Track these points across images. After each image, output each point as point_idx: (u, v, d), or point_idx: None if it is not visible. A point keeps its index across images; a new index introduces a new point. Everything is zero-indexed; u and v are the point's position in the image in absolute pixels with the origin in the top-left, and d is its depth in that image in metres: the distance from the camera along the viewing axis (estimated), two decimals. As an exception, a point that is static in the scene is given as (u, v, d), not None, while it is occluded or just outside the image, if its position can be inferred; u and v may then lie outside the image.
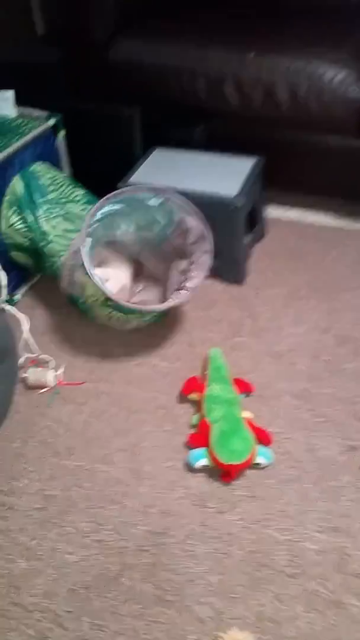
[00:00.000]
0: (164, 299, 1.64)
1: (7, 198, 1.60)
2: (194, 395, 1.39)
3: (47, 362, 1.51)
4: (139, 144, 1.88)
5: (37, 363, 1.51)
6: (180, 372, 1.51)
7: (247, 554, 1.14)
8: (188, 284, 1.50)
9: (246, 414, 1.35)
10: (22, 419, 1.42)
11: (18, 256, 1.68)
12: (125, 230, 1.59)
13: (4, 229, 1.62)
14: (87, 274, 1.39)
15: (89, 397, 1.46)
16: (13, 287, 1.74)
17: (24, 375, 1.48)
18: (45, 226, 1.58)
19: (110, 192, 1.72)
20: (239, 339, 1.60)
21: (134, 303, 1.63)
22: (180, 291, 1.51)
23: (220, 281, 1.79)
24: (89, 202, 1.65)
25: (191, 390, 1.40)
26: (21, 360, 1.49)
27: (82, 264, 1.39)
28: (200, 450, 1.26)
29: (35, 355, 1.50)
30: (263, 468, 1.27)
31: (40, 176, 1.64)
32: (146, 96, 1.90)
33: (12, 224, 1.61)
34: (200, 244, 1.53)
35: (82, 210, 1.62)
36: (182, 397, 1.42)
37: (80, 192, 1.67)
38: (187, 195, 1.63)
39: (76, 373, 1.52)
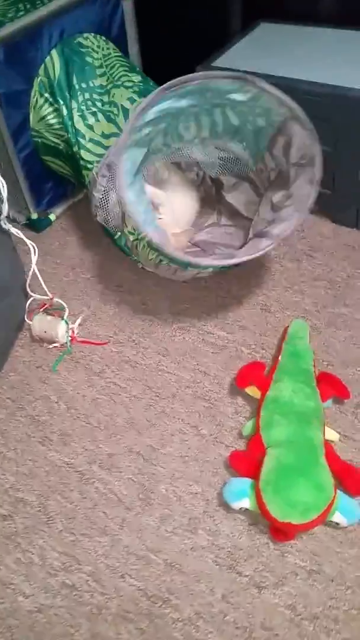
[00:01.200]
0: (245, 239, 1.14)
1: (38, 79, 1.16)
2: (252, 390, 0.92)
3: (61, 310, 1.11)
4: (238, 14, 1.33)
5: (48, 309, 1.11)
6: (242, 349, 1.03)
7: (291, 667, 0.69)
8: (275, 230, 0.99)
9: (330, 436, 0.85)
10: (16, 382, 1.04)
11: (53, 163, 1.26)
12: (195, 137, 1.09)
13: (33, 124, 1.20)
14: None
15: (107, 365, 1.04)
16: (48, 202, 1.34)
17: (29, 322, 1.09)
18: (79, 124, 1.13)
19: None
20: (342, 310, 1.07)
21: (189, 251, 1.16)
22: (262, 238, 1.00)
23: (329, 220, 1.24)
24: (142, 94, 1.16)
25: (249, 382, 0.92)
26: (29, 303, 1.10)
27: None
28: (244, 483, 0.79)
29: (46, 298, 1.10)
30: (342, 529, 0.78)
31: (87, 52, 1.18)
32: None
33: (42, 117, 1.18)
34: (305, 168, 0.98)
35: (129, 101, 1.14)
36: (236, 389, 0.95)
37: (136, 78, 1.18)
38: (299, 88, 1.09)
39: (99, 328, 1.11)
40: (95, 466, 0.90)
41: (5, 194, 0.99)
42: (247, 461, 0.82)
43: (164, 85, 0.93)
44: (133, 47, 1.35)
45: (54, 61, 1.15)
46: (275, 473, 0.76)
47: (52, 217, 1.35)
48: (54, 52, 1.15)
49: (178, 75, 1.25)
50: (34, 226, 1.33)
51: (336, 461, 0.80)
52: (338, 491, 0.76)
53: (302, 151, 0.97)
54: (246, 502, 0.78)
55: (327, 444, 0.81)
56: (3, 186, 0.99)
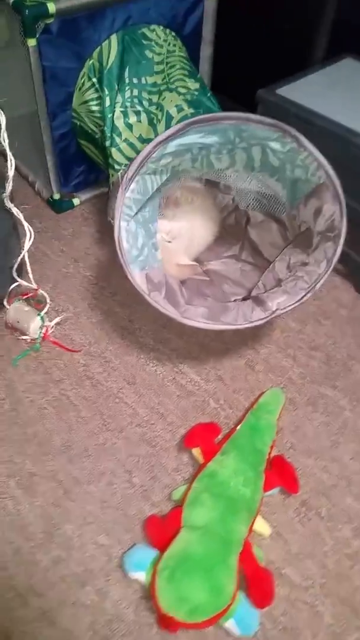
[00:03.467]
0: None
1: (90, 62, 1.09)
2: (198, 453, 0.84)
3: (42, 303, 1.06)
4: (323, 43, 1.22)
5: (31, 298, 1.07)
6: (210, 401, 0.96)
7: None
8: (273, 301, 0.91)
9: (261, 528, 0.77)
10: (-26, 365, 1.01)
11: (88, 148, 1.21)
12: (229, 168, 1.00)
13: (75, 105, 1.14)
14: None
15: (69, 376, 0.99)
16: (76, 185, 1.29)
17: (7, 307, 1.05)
18: (119, 120, 1.06)
19: (251, 102, 1.15)
20: (327, 392, 0.97)
21: (195, 279, 1.07)
22: (258, 307, 0.91)
23: (352, 287, 1.14)
24: (193, 104, 1.07)
25: (197, 444, 0.84)
26: (12, 287, 1.05)
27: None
28: (147, 555, 0.73)
29: (29, 287, 1.05)
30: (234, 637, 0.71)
31: (149, 46, 1.10)
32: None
33: (85, 101, 1.11)
34: (328, 242, 0.89)
35: (177, 108, 1.06)
36: (184, 445, 0.88)
37: (192, 85, 1.10)
38: (353, 141, 0.99)
39: (75, 333, 1.05)
40: (12, 481, 0.85)
41: (12, 172, 0.95)
42: (161, 531, 0.75)
43: (193, 119, 0.84)
44: (205, 50, 1.26)
45: (112, 47, 1.08)
46: (177, 560, 0.69)
47: (75, 201, 1.30)
48: (113, 38, 1.08)
49: (244, 90, 1.17)
50: (54, 206, 1.29)
51: (251, 564, 0.72)
52: (240, 597, 0.69)
53: (330, 223, 0.88)
54: (142, 576, 0.72)
55: (247, 542, 0.73)
56: (11, 164, 0.94)
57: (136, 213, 0.89)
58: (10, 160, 0.93)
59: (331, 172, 0.84)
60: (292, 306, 0.89)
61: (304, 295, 0.88)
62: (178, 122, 1.05)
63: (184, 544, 0.70)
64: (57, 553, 0.78)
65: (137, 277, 0.88)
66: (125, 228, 0.86)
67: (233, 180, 1.05)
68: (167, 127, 1.05)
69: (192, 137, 0.85)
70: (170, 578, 0.67)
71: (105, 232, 1.26)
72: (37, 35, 1.01)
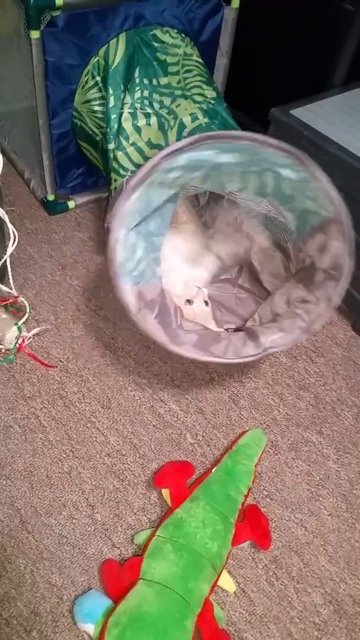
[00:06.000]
0: (253, 309, 1.01)
1: (95, 59, 1.03)
2: (166, 495, 0.79)
3: (21, 311, 1.00)
4: (343, 69, 1.16)
5: (10, 305, 1.01)
6: (187, 435, 0.90)
7: None
8: (268, 337, 0.84)
9: (226, 584, 0.72)
10: None
11: (87, 150, 1.14)
12: (240, 192, 0.94)
13: (77, 104, 1.08)
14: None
15: (40, 393, 0.93)
16: (73, 187, 1.23)
17: (-18, 314, 0.99)
18: (127, 122, 1.00)
19: (263, 119, 1.09)
20: (313, 437, 0.91)
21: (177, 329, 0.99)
22: (251, 342, 0.85)
23: (349, 326, 1.08)
24: (208, 113, 1.02)
25: (166, 485, 0.79)
26: (-9, 292, 1.00)
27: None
28: (99, 607, 0.67)
29: (10, 294, 0.99)
30: None
31: (161, 48, 1.04)
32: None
33: (88, 101, 1.05)
34: (332, 281, 0.84)
35: (191, 117, 1.01)
36: (153, 484, 0.82)
37: (209, 94, 1.04)
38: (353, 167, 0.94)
39: (54, 347, 1.00)
40: (-35, 506, 0.80)
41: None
42: (117, 580, 0.69)
43: (207, 134, 0.79)
44: (221, 60, 1.20)
45: (119, 46, 1.02)
46: (129, 617, 0.63)
47: (70, 204, 1.24)
48: (122, 36, 1.02)
49: (257, 106, 1.11)
50: (47, 208, 1.23)
51: (209, 627, 0.66)
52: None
53: (335, 261, 0.82)
54: (91, 629, 0.66)
55: (208, 602, 0.68)
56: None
57: (138, 224, 0.83)
58: (-1, 159, 0.86)
59: (343, 208, 0.78)
60: (286, 346, 0.83)
61: (300, 335, 0.83)
62: (191, 132, 0.99)
63: (139, 600, 0.65)
64: (5, 590, 0.72)
65: (127, 291, 0.82)
66: (123, 238, 0.80)
67: (243, 200, 0.99)
68: (179, 135, 1.00)
69: (204, 154, 0.79)
70: (119, 638, 0.62)
71: (99, 240, 1.20)
72: (41, 28, 0.95)
